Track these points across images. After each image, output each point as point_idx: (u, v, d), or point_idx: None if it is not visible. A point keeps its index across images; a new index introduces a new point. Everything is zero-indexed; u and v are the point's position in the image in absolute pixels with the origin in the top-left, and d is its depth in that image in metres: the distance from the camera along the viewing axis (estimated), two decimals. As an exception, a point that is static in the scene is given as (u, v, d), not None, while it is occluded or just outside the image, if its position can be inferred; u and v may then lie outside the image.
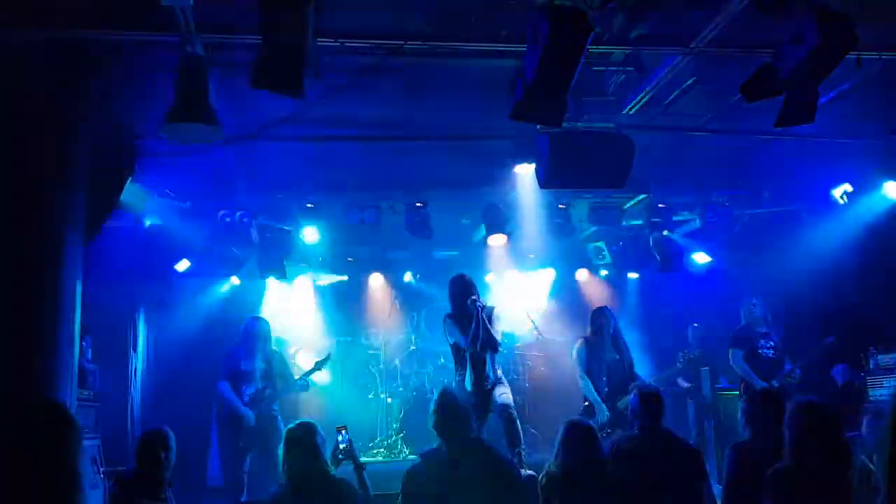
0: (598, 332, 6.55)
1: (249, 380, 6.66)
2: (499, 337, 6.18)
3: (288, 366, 7.05)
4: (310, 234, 8.28)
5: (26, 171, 4.66)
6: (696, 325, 9.54)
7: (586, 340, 6.64)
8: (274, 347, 7.06)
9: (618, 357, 6.48)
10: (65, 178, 4.89)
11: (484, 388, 6.12)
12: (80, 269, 4.98)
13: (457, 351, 6.33)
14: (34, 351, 4.48)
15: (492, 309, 6.28)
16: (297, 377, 6.91)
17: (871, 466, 3.45)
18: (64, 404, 2.19)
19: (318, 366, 6.89)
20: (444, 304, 6.56)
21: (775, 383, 6.84)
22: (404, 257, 10.75)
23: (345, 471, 4.27)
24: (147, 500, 3.96)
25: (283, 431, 4.13)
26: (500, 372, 6.27)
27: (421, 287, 10.88)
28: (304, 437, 3.96)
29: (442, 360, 9.21)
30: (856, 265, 7.75)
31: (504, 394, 6.20)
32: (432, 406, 4.13)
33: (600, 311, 6.69)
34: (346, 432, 4.44)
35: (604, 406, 6.29)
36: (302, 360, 9.25)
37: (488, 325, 6.00)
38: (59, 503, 2.01)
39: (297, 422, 4.10)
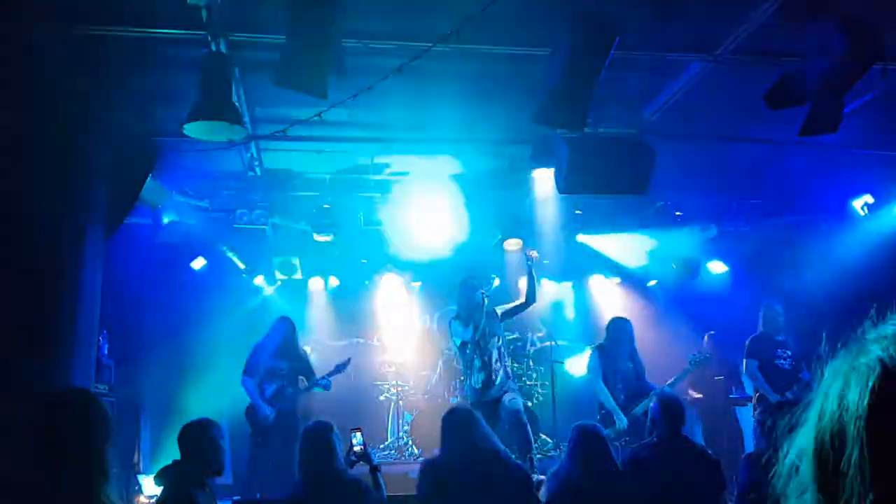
0: (616, 341, 6.50)
1: (272, 378, 6.69)
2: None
3: (311, 366, 7.07)
4: (324, 235, 8.28)
5: (49, 165, 4.68)
6: (711, 332, 9.44)
7: (600, 348, 6.59)
8: (305, 347, 7.09)
9: (632, 366, 6.45)
10: (87, 173, 4.92)
11: (493, 386, 6.13)
12: (101, 264, 5.00)
13: (463, 352, 6.39)
14: (53, 344, 4.50)
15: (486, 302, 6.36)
16: (317, 378, 6.92)
17: None
18: (95, 393, 2.19)
19: (340, 368, 6.92)
20: (455, 307, 6.63)
21: (789, 395, 6.74)
22: (418, 259, 10.72)
23: (359, 472, 4.26)
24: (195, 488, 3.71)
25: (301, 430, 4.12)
26: (510, 372, 6.26)
27: (434, 289, 10.86)
28: (321, 437, 3.96)
29: (454, 362, 9.19)
30: (875, 278, 7.66)
31: (514, 399, 6.18)
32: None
33: (621, 322, 6.63)
34: (361, 434, 4.42)
35: (622, 414, 6.25)
36: (313, 360, 9.25)
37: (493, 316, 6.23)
38: (86, 490, 2.00)
39: (314, 421, 4.10)
